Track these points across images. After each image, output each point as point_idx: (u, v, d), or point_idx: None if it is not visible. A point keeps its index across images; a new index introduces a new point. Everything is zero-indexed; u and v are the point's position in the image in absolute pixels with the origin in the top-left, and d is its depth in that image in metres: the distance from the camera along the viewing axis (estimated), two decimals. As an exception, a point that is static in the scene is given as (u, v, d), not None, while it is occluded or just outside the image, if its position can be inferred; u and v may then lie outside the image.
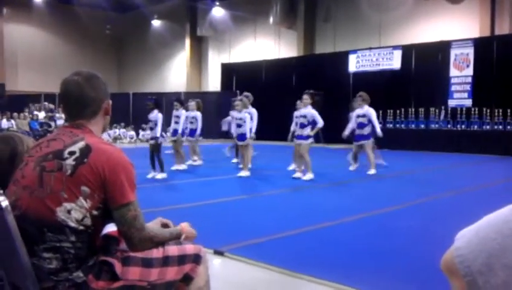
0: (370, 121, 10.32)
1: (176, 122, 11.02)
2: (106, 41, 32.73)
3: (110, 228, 1.90)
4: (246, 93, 11.47)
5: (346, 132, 10.64)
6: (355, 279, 3.60)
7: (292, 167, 10.50)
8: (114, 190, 1.83)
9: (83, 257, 1.81)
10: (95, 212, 1.82)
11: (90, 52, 31.30)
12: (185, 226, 2.15)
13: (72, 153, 1.83)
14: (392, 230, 5.36)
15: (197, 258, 2.06)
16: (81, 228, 1.80)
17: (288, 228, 5.28)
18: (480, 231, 0.83)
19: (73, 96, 1.95)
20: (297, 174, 9.52)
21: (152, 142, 9.71)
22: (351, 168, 10.68)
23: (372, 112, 10.39)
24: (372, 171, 9.97)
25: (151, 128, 9.84)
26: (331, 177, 10.04)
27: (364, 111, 10.35)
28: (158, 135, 9.61)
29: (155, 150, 9.62)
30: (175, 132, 11.00)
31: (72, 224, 1.78)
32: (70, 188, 1.79)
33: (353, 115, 10.64)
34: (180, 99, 11.88)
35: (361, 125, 10.34)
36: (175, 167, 10.81)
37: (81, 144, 1.85)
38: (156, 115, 9.66)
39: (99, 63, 30.40)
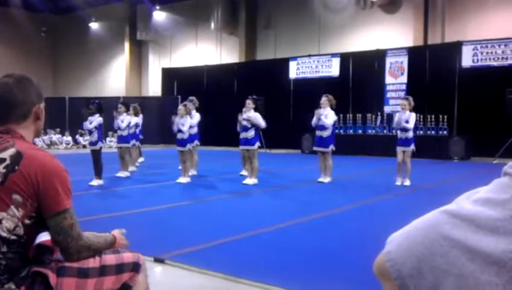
0: (331, 125, 9.83)
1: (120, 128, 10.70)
2: (41, 44, 31.48)
3: (44, 237, 1.83)
4: (190, 98, 11.34)
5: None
6: (298, 282, 3.64)
7: (243, 172, 10.41)
8: (48, 198, 1.76)
9: (15, 268, 1.73)
10: (27, 221, 1.75)
11: (23, 54, 30.00)
12: (117, 233, 2.08)
13: (2, 161, 1.75)
14: (334, 233, 5.47)
15: (135, 267, 2.01)
16: (13, 237, 1.73)
17: (230, 234, 5.27)
18: (409, 235, 0.86)
19: (1, 99, 1.87)
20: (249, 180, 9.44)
21: (94, 147, 9.44)
22: (321, 179, 9.82)
23: (332, 116, 9.90)
24: (326, 179, 9.74)
25: (90, 132, 9.55)
26: (274, 182, 10.12)
27: (326, 112, 9.87)
28: (96, 138, 9.37)
29: (95, 155, 9.36)
30: (120, 137, 10.73)
31: (4, 234, 1.71)
32: (1, 197, 1.71)
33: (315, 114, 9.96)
34: (125, 103, 11.44)
35: (321, 128, 9.88)
36: (119, 174, 10.54)
37: (11, 151, 1.77)
38: (96, 119, 9.45)
39: (34, 66, 29.20)
